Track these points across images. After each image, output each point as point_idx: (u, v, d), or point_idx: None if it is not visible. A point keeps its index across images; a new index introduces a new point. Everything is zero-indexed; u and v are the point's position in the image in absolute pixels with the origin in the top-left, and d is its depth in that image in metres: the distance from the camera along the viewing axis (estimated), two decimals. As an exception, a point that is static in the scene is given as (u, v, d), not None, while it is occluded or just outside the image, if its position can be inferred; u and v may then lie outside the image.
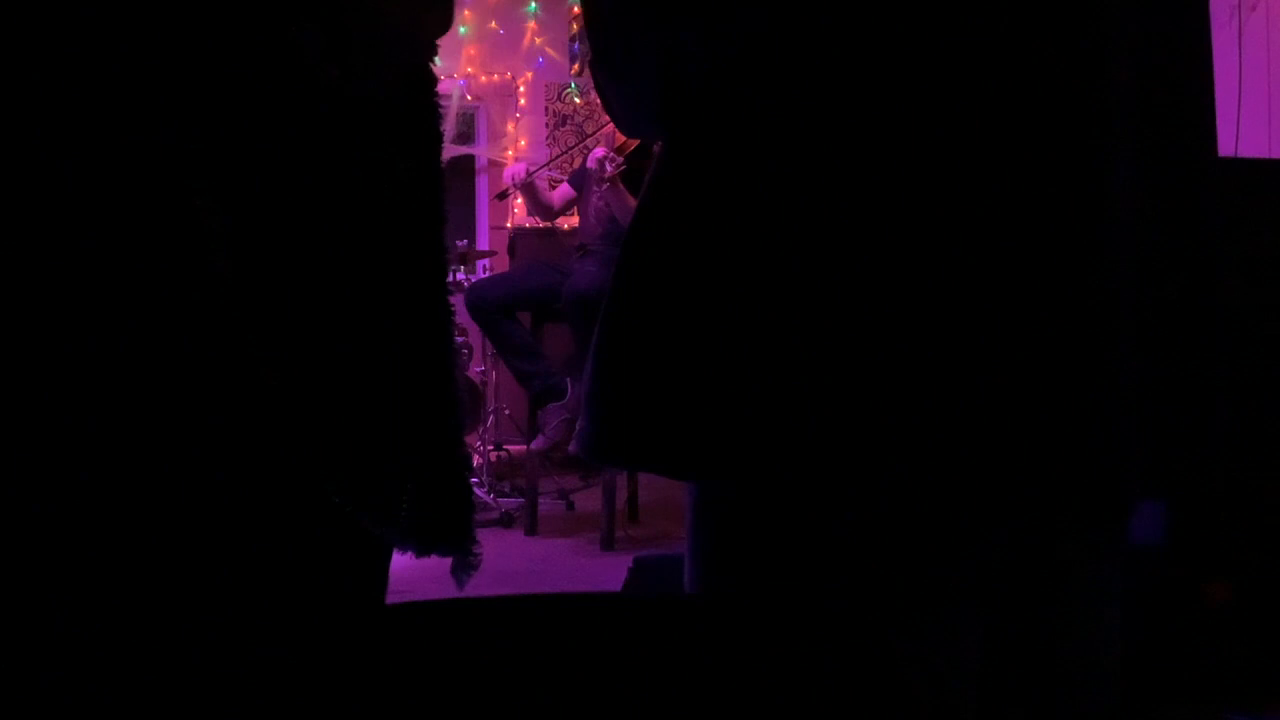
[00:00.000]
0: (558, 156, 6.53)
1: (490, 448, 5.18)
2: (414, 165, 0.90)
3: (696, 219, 0.95)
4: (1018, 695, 1.01)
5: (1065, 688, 1.02)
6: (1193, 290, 0.99)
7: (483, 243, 7.01)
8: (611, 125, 3.38)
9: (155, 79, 0.78)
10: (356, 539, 0.87)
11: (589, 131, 6.51)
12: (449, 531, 0.92)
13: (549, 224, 5.87)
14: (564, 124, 7.12)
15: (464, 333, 5.08)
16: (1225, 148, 3.33)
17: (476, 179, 7.28)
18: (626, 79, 1.01)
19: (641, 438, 0.97)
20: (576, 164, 5.31)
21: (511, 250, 6.67)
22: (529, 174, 4.82)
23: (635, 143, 4.20)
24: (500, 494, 4.84)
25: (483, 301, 4.55)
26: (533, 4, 7.11)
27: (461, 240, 5.45)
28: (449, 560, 0.96)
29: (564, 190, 4.92)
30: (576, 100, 7.13)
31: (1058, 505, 0.97)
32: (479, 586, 0.93)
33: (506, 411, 5.40)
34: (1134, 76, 0.95)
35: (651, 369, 0.95)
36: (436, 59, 0.94)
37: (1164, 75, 0.98)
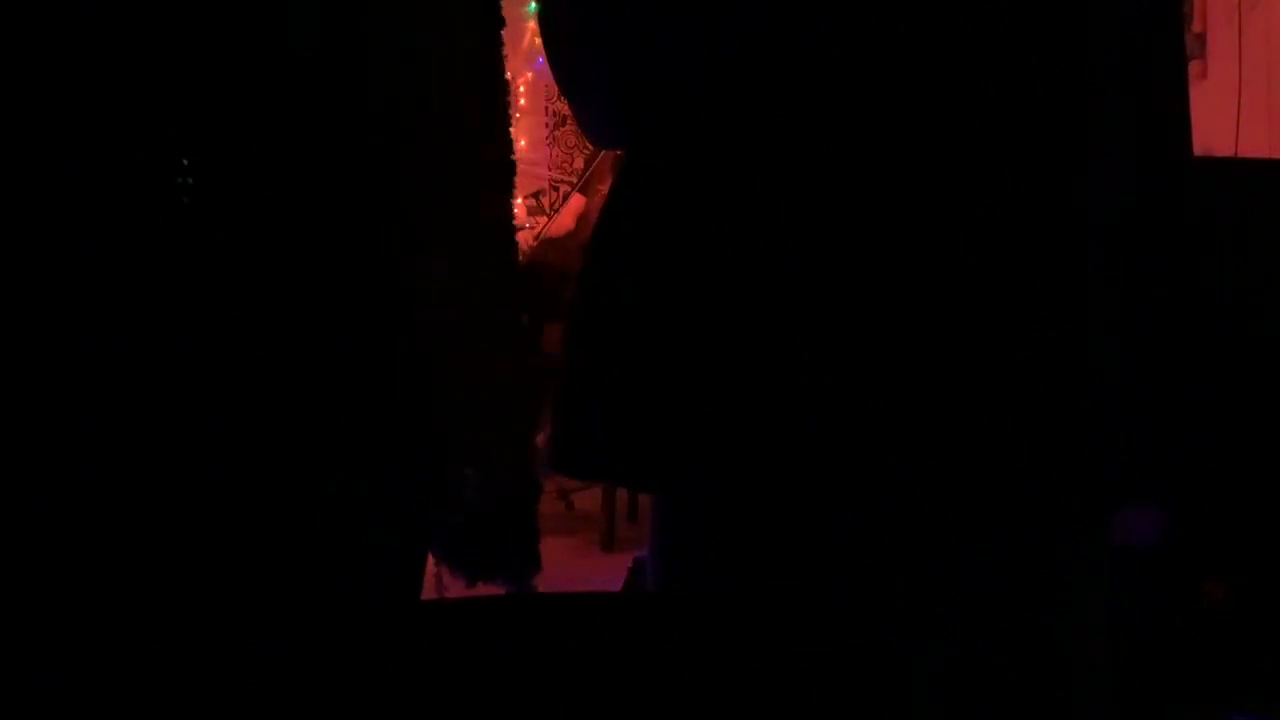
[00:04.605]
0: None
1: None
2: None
3: (691, 221, 0.95)
4: (1017, 696, 1.01)
5: (1065, 688, 1.02)
6: (1191, 291, 0.99)
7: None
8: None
9: (155, 78, 0.78)
10: (357, 539, 0.87)
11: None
12: (508, 563, 0.90)
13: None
14: (564, 124, 7.11)
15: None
16: (1225, 148, 3.32)
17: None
18: (588, 92, 1.01)
19: (624, 445, 0.97)
20: (577, 163, 5.26)
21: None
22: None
23: None
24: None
25: None
26: (533, 4, 7.09)
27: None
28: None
29: (575, 203, 4.85)
30: (577, 100, 7.11)
31: (1057, 506, 0.97)
32: (478, 586, 0.92)
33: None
34: (1117, 78, 0.96)
35: (633, 376, 0.95)
36: None
37: (1144, 78, 0.98)
